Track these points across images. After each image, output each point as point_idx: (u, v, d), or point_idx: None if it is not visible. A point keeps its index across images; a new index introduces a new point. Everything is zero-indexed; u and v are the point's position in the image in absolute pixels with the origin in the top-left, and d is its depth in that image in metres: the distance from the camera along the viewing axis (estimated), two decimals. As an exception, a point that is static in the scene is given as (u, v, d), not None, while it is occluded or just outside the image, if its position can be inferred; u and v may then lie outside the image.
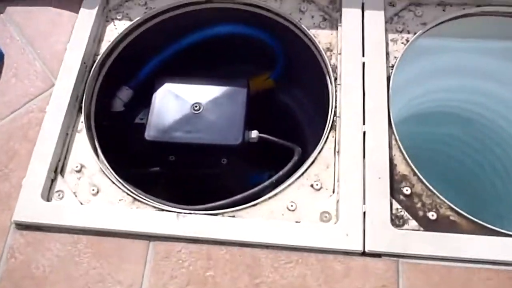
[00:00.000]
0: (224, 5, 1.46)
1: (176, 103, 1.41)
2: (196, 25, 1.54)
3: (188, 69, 1.76)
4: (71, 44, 1.32)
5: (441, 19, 1.36)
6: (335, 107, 1.24)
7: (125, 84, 1.55)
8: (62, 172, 1.18)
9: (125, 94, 1.54)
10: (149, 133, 1.37)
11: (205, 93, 1.42)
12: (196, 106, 1.39)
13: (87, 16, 1.36)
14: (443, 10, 1.36)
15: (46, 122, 1.22)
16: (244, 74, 1.78)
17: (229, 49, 1.60)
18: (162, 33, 1.52)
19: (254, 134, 1.39)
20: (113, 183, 1.17)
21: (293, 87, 1.75)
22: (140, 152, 1.55)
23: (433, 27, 1.36)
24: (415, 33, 1.33)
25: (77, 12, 1.37)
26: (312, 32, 1.33)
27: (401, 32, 1.33)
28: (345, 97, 1.21)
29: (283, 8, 1.38)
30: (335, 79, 1.27)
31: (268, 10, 1.41)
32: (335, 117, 1.22)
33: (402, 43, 1.31)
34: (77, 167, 1.18)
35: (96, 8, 1.37)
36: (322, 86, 1.42)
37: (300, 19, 1.36)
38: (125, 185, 1.19)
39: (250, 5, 1.43)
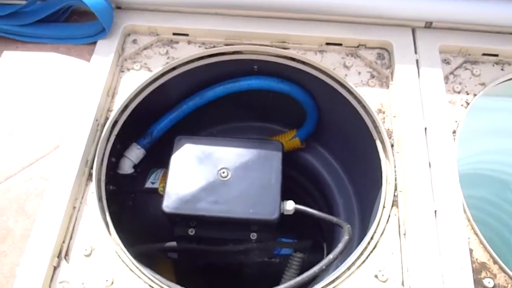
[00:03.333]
0: (255, 57, 1.28)
1: (199, 168, 1.20)
2: (219, 77, 1.36)
3: (201, 124, 1.57)
4: (81, 97, 1.11)
5: (501, 79, 1.22)
6: (395, 179, 1.05)
7: (136, 142, 1.34)
8: (67, 256, 0.95)
9: (135, 153, 1.33)
10: (168, 204, 1.15)
11: (233, 156, 1.22)
12: (223, 172, 1.19)
13: (100, 65, 1.16)
14: (502, 70, 1.22)
15: (49, 193, 0.99)
16: (264, 131, 1.62)
17: (249, 101, 1.42)
18: (182, 85, 1.33)
19: (290, 205, 1.19)
20: (131, 270, 0.94)
21: (321, 147, 1.57)
22: (152, 223, 1.33)
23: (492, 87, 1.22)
24: (474, 95, 1.18)
25: (88, 60, 1.17)
26: (359, 91, 1.16)
27: (459, 92, 1.17)
28: (408, 168, 1.03)
29: (325, 62, 1.21)
30: (392, 145, 1.09)
31: (306, 64, 1.24)
32: (396, 192, 1.03)
33: (462, 105, 1.15)
34: (86, 250, 0.95)
35: (112, 56, 1.18)
36: (367, 151, 1.24)
37: (345, 75, 1.19)
38: (145, 272, 0.96)
39: (286, 57, 1.26)
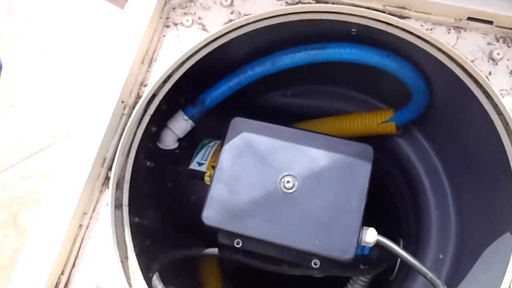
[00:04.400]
0: (355, 19, 0.89)
1: (257, 170, 0.90)
2: (301, 38, 0.98)
3: (272, 83, 1.23)
4: (104, 66, 0.80)
5: None
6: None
7: (182, 110, 1.04)
8: (65, 293, 0.71)
9: (180, 125, 1.04)
10: (209, 215, 0.88)
11: (304, 159, 0.90)
12: (287, 182, 0.88)
13: (136, 16, 0.83)
14: None
15: (48, 202, 0.73)
16: (353, 101, 1.25)
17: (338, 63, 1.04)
18: (248, 45, 0.98)
19: (371, 237, 0.88)
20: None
21: (423, 138, 1.19)
22: (193, 216, 1.06)
23: None
24: None
25: (122, 7, 0.83)
26: (507, 102, 0.76)
27: None
28: None
29: (460, 48, 0.80)
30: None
31: (430, 43, 0.84)
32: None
33: None
34: (89, 287, 0.71)
35: (154, 2, 0.83)
36: (492, 175, 0.88)
37: (490, 73, 0.78)
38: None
39: (401, 29, 0.85)
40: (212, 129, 1.17)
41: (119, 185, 0.81)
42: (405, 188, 1.25)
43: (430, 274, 0.84)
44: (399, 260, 1.16)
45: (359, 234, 0.85)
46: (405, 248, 1.15)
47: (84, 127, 0.77)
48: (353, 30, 0.96)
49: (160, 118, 1.03)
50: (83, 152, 0.75)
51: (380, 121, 1.15)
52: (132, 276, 0.75)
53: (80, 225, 0.74)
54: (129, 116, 0.80)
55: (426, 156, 1.19)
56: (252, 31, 0.91)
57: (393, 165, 1.25)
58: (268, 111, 1.28)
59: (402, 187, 1.26)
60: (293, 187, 0.88)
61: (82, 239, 0.74)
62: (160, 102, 0.90)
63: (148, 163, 1.04)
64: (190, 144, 1.09)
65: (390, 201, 1.31)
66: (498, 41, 0.80)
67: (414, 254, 1.16)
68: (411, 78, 0.98)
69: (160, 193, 1.09)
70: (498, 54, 0.79)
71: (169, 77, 0.86)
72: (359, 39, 0.96)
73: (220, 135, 1.15)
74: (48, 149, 0.77)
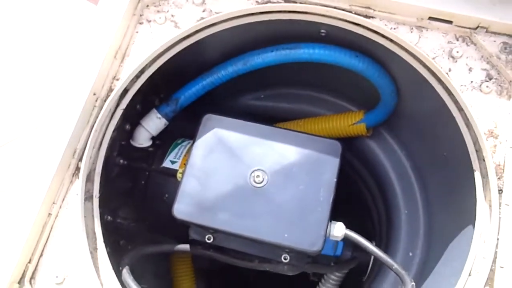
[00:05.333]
0: (324, 20, 0.92)
1: (228, 164, 0.91)
2: (272, 38, 1.01)
3: (244, 86, 1.25)
4: (77, 59, 0.81)
5: None
6: (497, 245, 0.72)
7: (156, 108, 1.05)
8: (32, 281, 0.71)
9: (154, 123, 1.05)
10: (180, 208, 0.88)
11: (274, 154, 0.92)
12: (257, 176, 0.90)
13: (109, 12, 0.85)
14: None
15: (16, 190, 0.73)
16: (324, 104, 1.28)
17: (309, 65, 1.06)
18: (220, 45, 1.00)
19: (339, 230, 0.89)
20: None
21: (391, 138, 1.22)
22: (165, 214, 1.07)
23: None
24: None
25: (96, 3, 0.85)
26: (466, 97, 0.80)
27: None
28: (521, 236, 0.69)
29: (422, 46, 0.84)
30: (500, 191, 0.74)
31: (394, 42, 0.87)
32: (494, 264, 0.71)
33: None
34: (57, 276, 0.71)
35: (128, 0, 0.85)
36: (458, 176, 0.91)
37: (449, 70, 0.82)
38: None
39: (367, 29, 0.89)
40: (185, 130, 1.18)
41: (90, 177, 0.82)
42: (376, 189, 1.28)
43: (395, 265, 0.86)
44: (371, 261, 1.19)
45: (327, 227, 0.87)
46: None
47: (54, 117, 0.77)
48: (322, 31, 0.99)
49: (134, 117, 1.05)
50: (53, 142, 0.76)
51: (351, 123, 1.18)
52: (101, 267, 0.76)
53: (49, 214, 0.75)
54: (101, 108, 0.81)
55: (395, 157, 1.22)
56: (224, 30, 0.94)
57: (363, 167, 1.28)
58: (241, 113, 1.29)
59: (373, 188, 1.29)
60: (262, 181, 0.90)
61: (51, 228, 0.75)
62: (134, 99, 0.92)
63: (121, 160, 1.04)
64: (163, 143, 1.11)
65: (361, 203, 1.34)
66: (457, 39, 0.84)
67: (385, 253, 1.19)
68: (378, 78, 1.01)
69: (133, 191, 1.09)
70: (457, 52, 0.83)
71: (141, 72, 0.87)
72: (328, 40, 1.00)
73: (193, 136, 1.17)
74: (17, 140, 0.77)
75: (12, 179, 0.71)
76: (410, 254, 1.13)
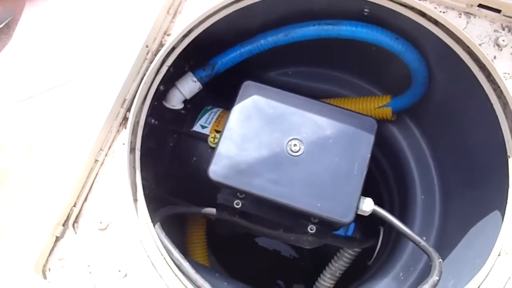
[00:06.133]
0: (371, -2, 0.93)
1: (265, 131, 0.92)
2: (314, 13, 1.02)
3: (275, 60, 1.26)
4: (131, 13, 0.81)
5: None
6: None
7: (192, 72, 1.06)
8: (76, 225, 0.72)
9: (188, 86, 1.06)
10: (216, 169, 0.89)
11: (311, 125, 0.93)
12: (294, 145, 0.91)
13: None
14: None
15: (66, 135, 0.73)
16: (351, 86, 1.30)
17: (342, 45, 1.07)
18: (266, 14, 1.01)
19: (368, 205, 0.92)
20: (153, 265, 0.70)
21: (415, 126, 1.25)
22: (192, 177, 1.08)
23: None
24: None
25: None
26: (509, 86, 0.82)
27: None
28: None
29: (469, 32, 0.85)
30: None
31: (440, 25, 0.89)
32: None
33: None
34: (101, 222, 0.72)
35: (182, -43, 0.85)
36: (487, 164, 0.93)
37: (494, 57, 0.84)
38: (171, 265, 0.73)
39: (414, 9, 0.90)
40: (214, 99, 1.19)
41: (133, 130, 0.82)
42: (390, 172, 1.30)
43: (422, 242, 0.88)
44: (378, 246, 1.22)
45: (359, 200, 0.89)
46: (387, 232, 1.21)
47: (108, 65, 0.77)
48: (366, 10, 1.00)
49: (167, 79, 1.05)
50: (105, 89, 0.76)
51: (377, 106, 1.20)
52: (141, 218, 0.76)
53: (96, 160, 0.75)
54: (151, 62, 0.81)
55: (415, 143, 1.24)
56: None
57: (382, 150, 1.30)
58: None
59: (387, 172, 1.31)
60: (299, 150, 0.91)
61: (97, 175, 0.75)
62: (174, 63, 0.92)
63: (153, 120, 1.04)
64: (194, 107, 1.11)
65: (371, 185, 1.36)
66: (503, 29, 0.86)
67: (397, 237, 1.22)
68: (414, 62, 1.03)
69: (160, 153, 1.10)
70: (503, 41, 0.85)
71: (189, 31, 0.87)
72: (369, 20, 1.01)
73: (222, 105, 1.17)
74: (71, 83, 0.77)
75: (64, 121, 0.71)
76: (424, 238, 1.16)
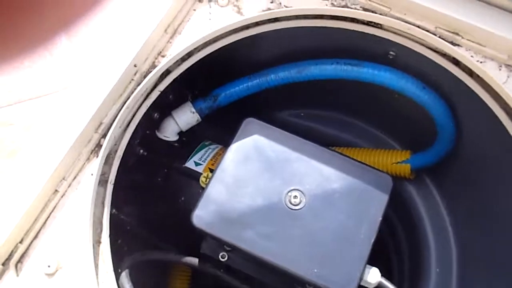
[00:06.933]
0: (398, 39, 0.82)
1: (263, 177, 0.80)
2: (333, 50, 0.91)
3: (284, 99, 1.15)
4: (126, 21, 0.71)
5: None
6: None
7: (191, 101, 0.95)
8: (19, 265, 0.59)
9: (186, 117, 0.95)
10: (200, 214, 0.77)
11: (316, 176, 0.81)
12: (294, 197, 0.78)
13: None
14: None
15: (23, 156, 0.62)
16: (366, 135, 1.17)
17: (359, 88, 0.96)
18: (278, 45, 0.91)
19: (373, 277, 0.78)
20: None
21: (435, 188, 1.11)
22: (179, 218, 0.95)
23: None
24: None
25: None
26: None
27: None
28: None
29: (510, 86, 0.73)
30: None
31: (475, 77, 0.77)
32: None
33: None
34: (49, 266, 0.59)
35: (189, -27, 0.76)
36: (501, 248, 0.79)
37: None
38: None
39: (446, 56, 0.79)
40: (213, 135, 1.08)
41: (108, 159, 0.71)
42: (404, 237, 1.16)
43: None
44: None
45: (363, 269, 0.75)
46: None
47: (86, 82, 0.67)
48: (391, 52, 0.90)
49: (164, 106, 0.95)
50: (78, 109, 0.65)
51: (394, 161, 1.07)
52: (101, 264, 0.64)
53: (56, 191, 0.63)
54: (138, 84, 0.70)
55: (434, 207, 1.11)
56: (287, 29, 0.84)
57: (395, 209, 1.16)
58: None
59: (400, 235, 1.17)
60: (299, 203, 0.79)
61: (54, 208, 0.63)
62: (168, 88, 0.81)
63: (142, 150, 0.94)
64: (189, 140, 1.00)
65: (379, 249, 1.22)
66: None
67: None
68: (442, 115, 0.91)
69: (146, 187, 0.98)
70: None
71: (189, 55, 0.77)
72: (394, 64, 0.90)
73: (221, 142, 1.06)
74: (39, 99, 0.66)
75: (29, 140, 0.60)
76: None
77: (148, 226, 1.03)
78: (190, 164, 0.96)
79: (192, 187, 0.93)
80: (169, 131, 0.95)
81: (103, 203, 0.68)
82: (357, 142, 1.18)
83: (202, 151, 0.99)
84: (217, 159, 0.98)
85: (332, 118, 1.19)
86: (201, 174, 0.94)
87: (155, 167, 0.97)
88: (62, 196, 0.64)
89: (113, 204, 0.87)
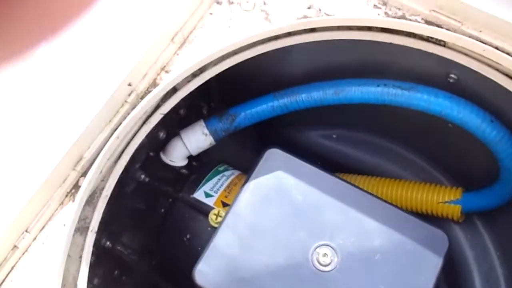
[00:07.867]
0: (462, 59, 0.65)
1: (285, 226, 0.64)
2: (380, 69, 0.74)
3: (315, 117, 0.98)
4: (120, 29, 0.55)
5: None
6: None
7: (204, 121, 0.79)
8: None
9: (196, 139, 0.79)
10: (204, 270, 0.63)
11: (353, 228, 0.64)
12: (324, 255, 0.62)
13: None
14: None
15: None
16: (412, 167, 1.00)
17: (408, 115, 0.78)
18: (312, 61, 0.74)
19: None
20: None
21: (489, 236, 0.94)
22: (182, 258, 0.80)
23: None
24: None
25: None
26: None
27: None
28: None
29: None
30: None
31: None
32: None
33: None
34: None
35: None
36: None
37: None
38: None
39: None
40: (229, 156, 0.93)
41: (91, 200, 0.55)
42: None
43: None
44: None
45: None
46: None
47: (63, 105, 0.51)
48: (452, 75, 0.72)
49: (174, 124, 0.80)
50: (51, 140, 0.50)
51: (442, 200, 0.90)
52: None
53: (15, 246, 0.48)
54: (133, 107, 0.55)
55: (485, 256, 0.94)
56: (327, 41, 0.67)
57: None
58: (303, 151, 1.04)
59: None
60: (330, 263, 0.63)
61: (12, 269, 0.48)
62: (180, 102, 0.65)
63: (143, 176, 0.79)
64: (201, 166, 0.85)
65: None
66: None
67: None
68: (509, 156, 0.73)
69: (146, 218, 0.83)
70: None
71: (201, 70, 0.61)
72: (454, 90, 0.72)
73: (238, 165, 0.91)
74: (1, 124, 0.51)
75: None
76: None
77: (148, 259, 0.89)
78: (199, 195, 0.81)
79: (200, 224, 0.78)
80: (176, 154, 0.80)
81: (80, 257, 0.53)
82: (397, 172, 1.01)
83: (215, 179, 0.83)
84: (232, 189, 0.82)
85: (370, 142, 1.03)
86: (212, 208, 0.78)
87: (157, 196, 0.82)
88: (23, 254, 0.49)
89: (106, 236, 0.73)
